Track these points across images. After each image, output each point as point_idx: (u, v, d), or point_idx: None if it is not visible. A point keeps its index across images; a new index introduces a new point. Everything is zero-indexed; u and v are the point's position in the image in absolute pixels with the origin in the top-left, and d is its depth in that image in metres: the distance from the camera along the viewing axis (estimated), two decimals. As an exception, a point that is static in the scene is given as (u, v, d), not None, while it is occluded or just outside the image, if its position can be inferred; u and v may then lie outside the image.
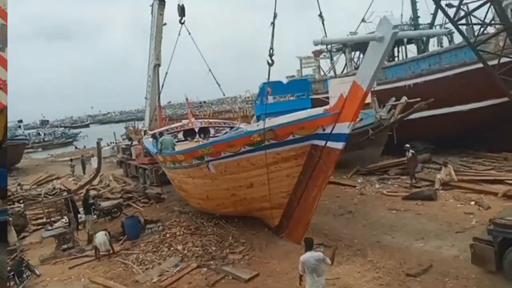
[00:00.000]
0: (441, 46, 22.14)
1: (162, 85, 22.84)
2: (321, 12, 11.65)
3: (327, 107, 9.58)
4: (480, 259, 7.76)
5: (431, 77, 18.64)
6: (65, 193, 16.05)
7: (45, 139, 67.50)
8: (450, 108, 17.79)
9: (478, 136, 17.89)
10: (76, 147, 53.60)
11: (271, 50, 9.38)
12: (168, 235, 12.71)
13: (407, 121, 18.67)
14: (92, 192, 19.27)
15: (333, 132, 9.09)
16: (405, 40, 23.89)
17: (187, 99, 25.08)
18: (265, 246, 10.95)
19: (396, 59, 24.66)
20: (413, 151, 15.78)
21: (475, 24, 14.05)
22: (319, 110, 9.74)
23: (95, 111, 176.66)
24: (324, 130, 9.32)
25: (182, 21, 21.19)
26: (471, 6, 13.39)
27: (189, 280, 9.56)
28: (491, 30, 15.35)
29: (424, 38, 23.56)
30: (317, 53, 26.91)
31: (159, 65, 23.41)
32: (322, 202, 14.50)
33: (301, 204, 10.33)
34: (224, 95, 21.98)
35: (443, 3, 13.61)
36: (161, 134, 16.45)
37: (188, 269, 10.06)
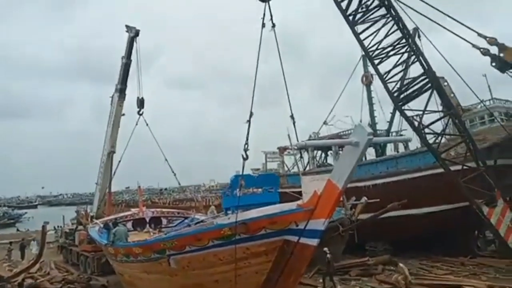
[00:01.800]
0: (397, 151, 23.60)
1: (114, 173, 22.87)
2: (292, 114, 12.21)
3: (300, 202, 9.39)
4: None
5: (388, 180, 19.45)
6: (-3, 280, 14.27)
7: (-16, 218, 62.51)
8: (406, 211, 18.25)
9: (435, 239, 18.25)
10: (18, 229, 49.64)
11: (246, 146, 9.64)
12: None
13: (367, 221, 18.93)
14: (29, 281, 17.45)
15: (307, 228, 8.81)
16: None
17: (139, 186, 24.74)
18: None
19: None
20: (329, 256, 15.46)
21: (435, 133, 15.28)
22: (292, 205, 9.56)
23: (45, 191, 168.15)
24: (297, 225, 9.03)
25: (141, 112, 22.37)
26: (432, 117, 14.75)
27: None
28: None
29: (382, 144, 25.13)
30: (282, 150, 27.92)
31: (113, 152, 23.64)
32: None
33: None
34: (179, 184, 22.01)
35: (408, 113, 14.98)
36: (114, 223, 15.64)
37: None
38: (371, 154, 25.38)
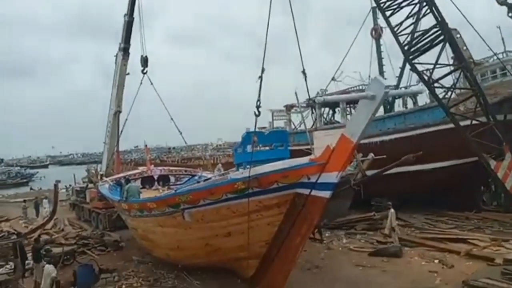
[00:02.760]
0: (406, 107, 23.25)
1: (121, 131, 22.82)
2: (304, 69, 11.94)
3: (312, 157, 9.59)
4: None
5: (396, 136, 19.31)
6: (14, 237, 14.78)
7: (-2, 177, 64.08)
8: (413, 166, 18.25)
9: (441, 194, 18.36)
10: (31, 188, 50.93)
11: (258, 102, 9.68)
12: (124, 286, 11.87)
13: (374, 177, 19.02)
14: (45, 237, 18.08)
15: (319, 181, 9.05)
16: (372, 99, 24.88)
17: (146, 145, 24.88)
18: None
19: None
20: None
21: (446, 87, 14.93)
22: (304, 159, 9.76)
23: (56, 151, 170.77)
24: (309, 179, 9.28)
25: (145, 71, 21.82)
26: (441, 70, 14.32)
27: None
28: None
29: (390, 98, 24.71)
30: (289, 107, 27.64)
31: (120, 111, 23.63)
32: (288, 255, 14.30)
33: (282, 253, 10.08)
34: (186, 143, 22.04)
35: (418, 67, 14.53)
36: (127, 180, 15.92)
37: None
38: (379, 110, 24.99)
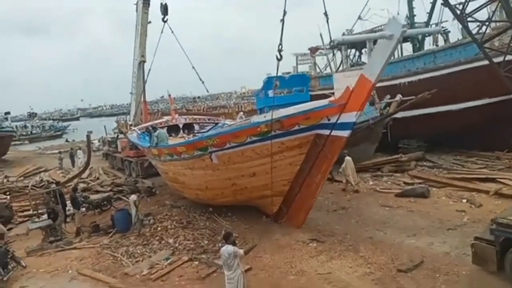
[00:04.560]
0: (437, 45, 22.15)
1: (146, 81, 22.99)
2: (326, 11, 11.83)
3: (332, 98, 9.95)
4: (481, 259, 7.67)
5: (425, 76, 18.59)
6: (53, 186, 15.65)
7: (33, 131, 66.57)
8: (444, 107, 17.78)
9: (472, 135, 17.90)
10: (67, 140, 52.96)
11: (280, 46, 9.65)
12: (159, 228, 12.54)
13: (401, 119, 18.70)
14: (82, 185, 19.10)
15: (339, 121, 9.52)
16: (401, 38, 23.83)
17: (169, 95, 24.99)
18: (258, 240, 10.81)
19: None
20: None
21: (480, 21, 13.97)
22: (324, 101, 10.13)
23: (85, 104, 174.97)
24: (329, 120, 9.77)
25: (165, 19, 21.45)
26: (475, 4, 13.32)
27: (180, 273, 9.44)
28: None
29: (420, 37, 23.56)
30: (313, 50, 26.90)
31: (144, 61, 23.54)
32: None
33: (304, 190, 10.78)
34: (208, 91, 22.04)
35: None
36: (154, 128, 16.35)
37: (179, 262, 9.92)
38: (408, 50, 24.00)
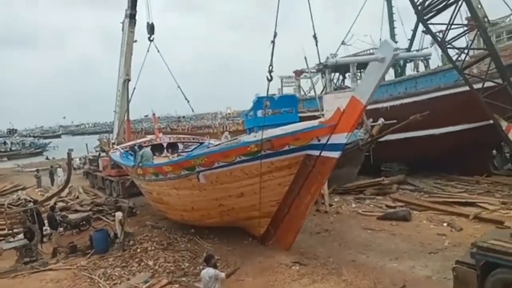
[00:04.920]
0: (418, 71, 22.79)
1: (130, 99, 23.00)
2: (315, 33, 12.18)
3: (322, 119, 10.13)
4: (462, 283, 7.58)
5: (407, 100, 19.06)
6: (30, 204, 15.23)
7: (12, 148, 65.15)
8: (425, 131, 18.14)
9: (452, 159, 18.28)
10: (47, 157, 51.89)
11: (271, 67, 9.80)
12: (138, 250, 12.24)
13: (383, 142, 18.97)
14: (60, 204, 18.64)
15: (329, 142, 9.57)
16: (382, 63, 24.43)
17: (153, 114, 24.94)
18: (241, 263, 10.65)
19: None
20: None
21: (459, 48, 14.48)
22: (314, 122, 10.22)
23: (67, 121, 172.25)
24: (319, 140, 9.82)
25: (151, 38, 21.78)
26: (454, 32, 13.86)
27: (159, 296, 9.18)
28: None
29: (401, 62, 24.23)
30: (298, 73, 27.30)
31: (128, 80, 23.55)
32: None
33: (293, 211, 10.73)
34: (193, 111, 22.10)
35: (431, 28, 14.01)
36: (140, 147, 16.19)
37: (158, 285, 9.66)
38: (390, 75, 24.66)
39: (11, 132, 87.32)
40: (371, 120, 18.52)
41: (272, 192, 10.80)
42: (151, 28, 21.64)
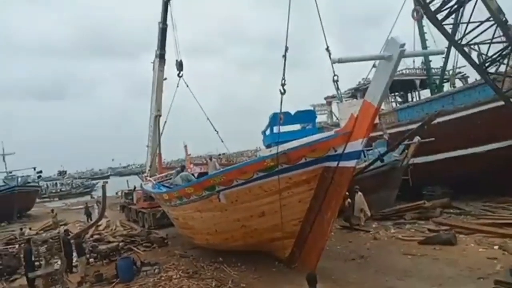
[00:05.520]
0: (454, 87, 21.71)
1: (161, 134, 23.48)
2: (328, 46, 11.92)
3: (338, 129, 9.87)
4: None
5: (444, 118, 17.99)
6: (62, 235, 15.43)
7: (62, 189, 68.24)
8: (467, 150, 16.96)
9: (501, 179, 16.77)
10: (91, 196, 53.71)
11: (283, 80, 9.89)
12: (163, 278, 11.90)
13: (423, 164, 17.91)
14: (95, 237, 18.85)
15: (345, 151, 9.33)
16: (418, 84, 23.64)
17: (185, 146, 25.21)
18: (267, 292, 10.08)
19: (409, 104, 24.25)
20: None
21: (499, 74, 13.35)
22: (330, 132, 10.09)
23: (115, 163, 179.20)
24: (336, 151, 9.54)
25: (180, 74, 22.37)
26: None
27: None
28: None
29: (438, 82, 23.23)
30: (329, 99, 26.97)
31: (160, 115, 24.24)
32: (333, 247, 13.74)
33: (315, 230, 10.37)
34: (222, 141, 21.92)
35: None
36: (182, 167, 16.39)
37: (178, 313, 9.20)
38: (425, 95, 23.74)
39: (61, 173, 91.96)
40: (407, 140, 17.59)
41: (293, 210, 10.46)
42: (180, 65, 22.36)
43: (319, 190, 10.09)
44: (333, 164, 9.61)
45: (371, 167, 17.23)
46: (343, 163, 9.41)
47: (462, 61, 21.15)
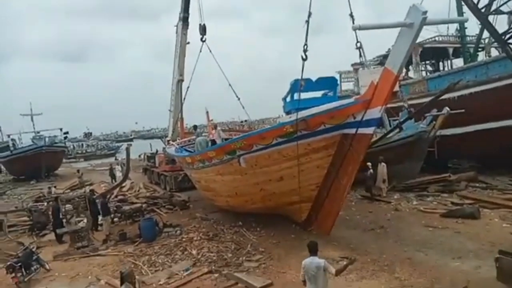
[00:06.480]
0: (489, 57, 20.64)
1: (184, 99, 23.34)
2: (351, 12, 11.72)
3: (357, 96, 9.91)
4: (506, 274, 6.91)
5: (477, 89, 17.23)
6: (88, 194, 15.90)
7: (88, 150, 70.11)
8: (499, 122, 16.28)
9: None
10: (115, 158, 55.00)
11: (305, 46, 9.74)
12: (184, 239, 12.21)
13: (451, 136, 17.36)
14: (119, 197, 19.39)
15: (364, 118, 9.34)
16: (451, 52, 22.57)
17: (207, 112, 25.14)
18: (284, 256, 10.22)
19: (440, 73, 23.29)
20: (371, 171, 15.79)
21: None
22: (349, 99, 10.10)
23: (139, 126, 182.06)
24: (354, 118, 9.56)
25: (204, 39, 21.94)
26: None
27: (197, 284, 8.97)
28: None
29: (472, 50, 22.11)
30: (356, 66, 26.14)
31: (182, 80, 24.09)
32: (353, 216, 13.74)
33: (331, 194, 10.52)
34: (243, 107, 21.77)
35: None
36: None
37: (198, 273, 9.45)
38: (456, 64, 22.71)
39: (87, 135, 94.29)
40: (434, 110, 17.02)
41: (311, 175, 10.61)
42: (203, 29, 21.89)
43: (337, 156, 10.18)
44: (352, 131, 9.66)
45: (397, 136, 16.85)
46: (361, 130, 9.45)
47: (500, 29, 20.11)
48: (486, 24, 12.23)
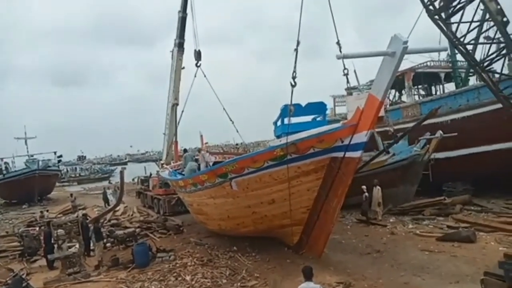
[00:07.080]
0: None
1: (178, 122, 23.56)
2: (338, 40, 11.80)
3: (345, 121, 10.34)
4: None
5: (469, 113, 17.46)
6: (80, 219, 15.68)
7: (81, 174, 69.61)
8: (491, 146, 16.44)
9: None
10: (109, 182, 54.62)
11: (294, 73, 10.19)
12: (178, 264, 12.03)
13: (445, 159, 17.47)
14: (112, 222, 19.12)
15: (351, 142, 9.70)
16: (443, 77, 22.98)
17: (201, 135, 25.28)
18: (280, 281, 10.06)
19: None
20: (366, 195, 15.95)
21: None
22: (337, 124, 10.53)
23: (134, 150, 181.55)
24: (342, 142, 9.92)
25: (198, 64, 22.28)
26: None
27: (191, 312, 8.75)
28: None
29: (463, 75, 22.54)
30: (349, 91, 26.44)
31: (177, 104, 24.35)
32: (349, 240, 13.65)
33: (322, 217, 10.74)
34: (237, 131, 21.87)
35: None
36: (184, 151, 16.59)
37: (192, 300, 9.25)
38: (448, 89, 23.05)
39: (81, 159, 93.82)
40: (428, 133, 17.19)
41: (302, 198, 10.80)
42: (198, 55, 22.27)
43: (326, 179, 10.44)
44: (340, 154, 10.00)
45: (391, 160, 16.94)
46: (349, 154, 9.78)
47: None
48: (462, 53, 12.50)
